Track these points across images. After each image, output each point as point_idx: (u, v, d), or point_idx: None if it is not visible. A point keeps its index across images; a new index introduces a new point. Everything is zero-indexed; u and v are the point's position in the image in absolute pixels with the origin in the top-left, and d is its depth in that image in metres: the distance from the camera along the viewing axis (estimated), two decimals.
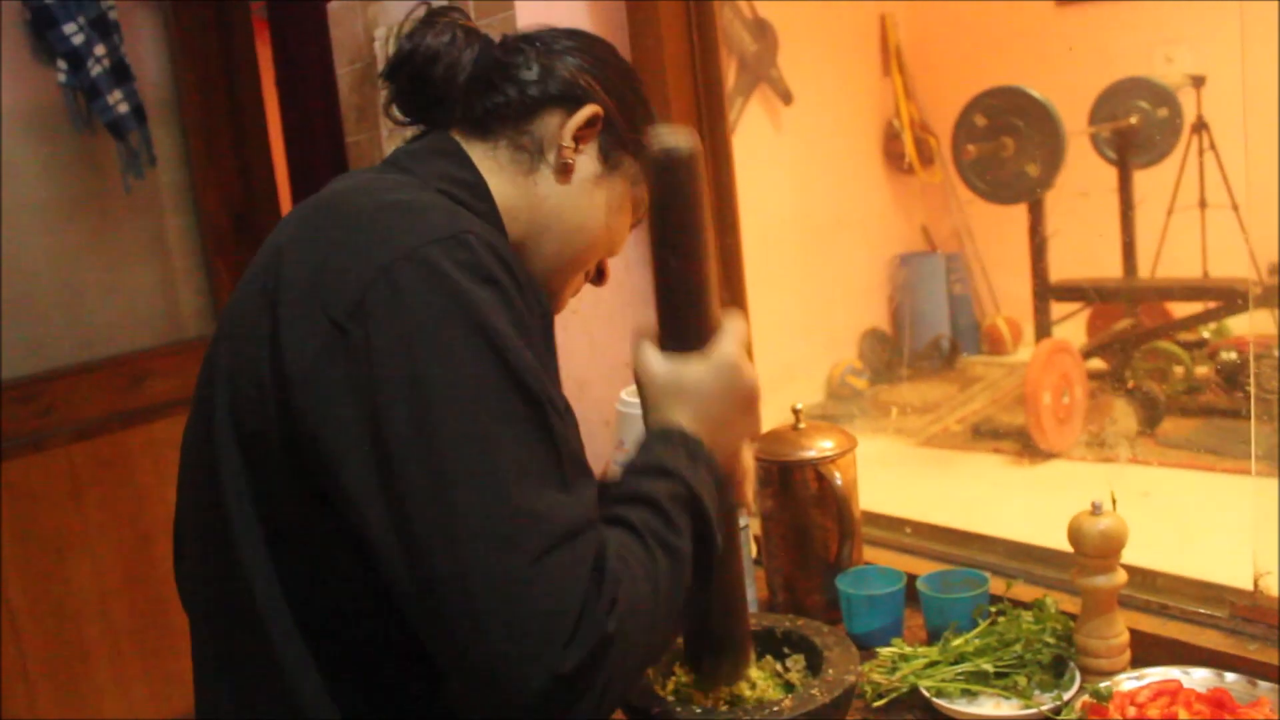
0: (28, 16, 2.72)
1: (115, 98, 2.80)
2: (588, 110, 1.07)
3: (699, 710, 1.20)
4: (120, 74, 2.82)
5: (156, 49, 3.03)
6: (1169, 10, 3.87)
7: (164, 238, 3.06)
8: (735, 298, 2.01)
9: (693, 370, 1.04)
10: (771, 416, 2.08)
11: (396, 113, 1.12)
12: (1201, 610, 1.42)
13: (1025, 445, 3.38)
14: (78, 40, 2.73)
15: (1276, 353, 1.70)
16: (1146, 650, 1.38)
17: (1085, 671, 1.34)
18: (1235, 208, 3.62)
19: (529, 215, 1.06)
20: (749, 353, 1.98)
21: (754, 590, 1.68)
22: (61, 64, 2.73)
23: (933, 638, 1.49)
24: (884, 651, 1.44)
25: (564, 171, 1.07)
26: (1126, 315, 3.80)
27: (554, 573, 0.80)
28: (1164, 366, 3.54)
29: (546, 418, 0.85)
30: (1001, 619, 1.43)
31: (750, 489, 1.14)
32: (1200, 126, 3.72)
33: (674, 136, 1.03)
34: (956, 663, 1.38)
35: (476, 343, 0.83)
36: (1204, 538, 2.10)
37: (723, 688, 1.24)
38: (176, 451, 1.07)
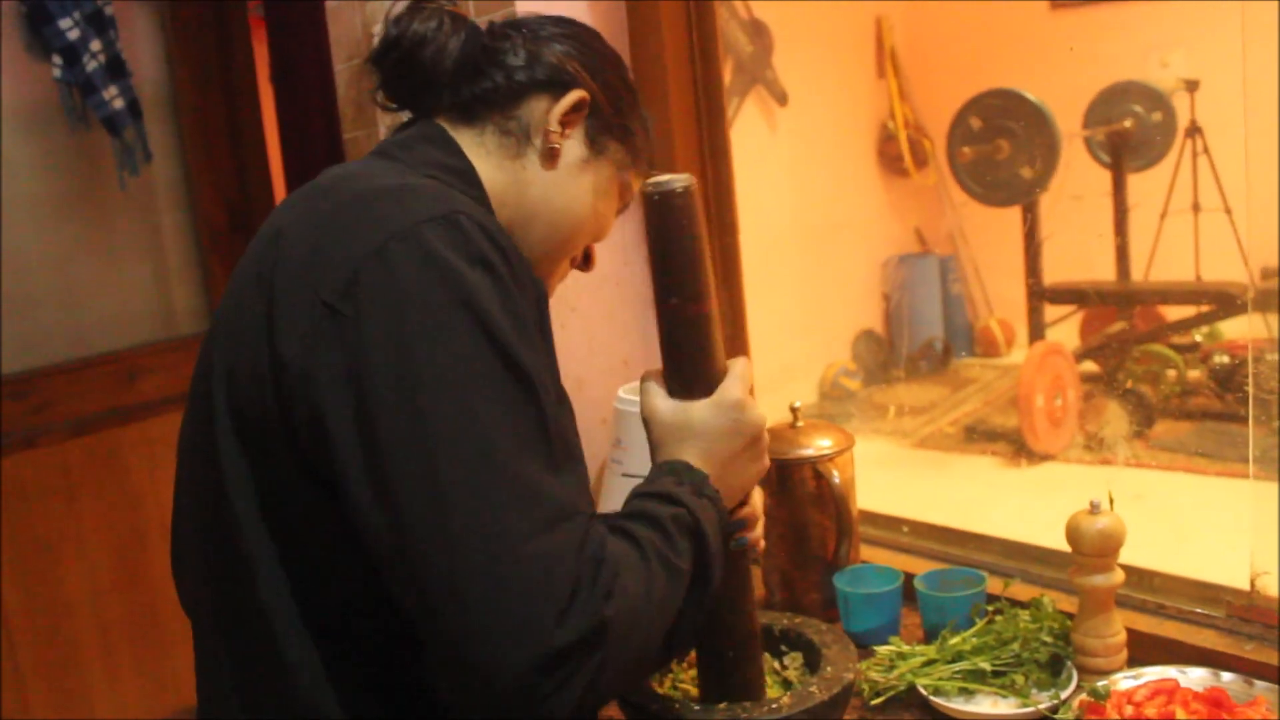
0: (23, 11, 2.72)
1: (111, 93, 2.79)
2: (574, 95, 1.07)
3: (697, 708, 1.20)
4: (116, 70, 2.81)
5: (152, 45, 3.02)
6: (1163, 14, 3.88)
7: (159, 234, 3.05)
8: (733, 298, 2.01)
9: (699, 411, 1.06)
10: (769, 416, 2.08)
11: (384, 99, 1.12)
12: (1198, 610, 1.42)
13: (1018, 447, 3.38)
14: (73, 35, 2.72)
15: (1274, 356, 1.70)
16: (1143, 650, 1.39)
17: (1082, 670, 1.34)
18: (1228, 212, 3.64)
19: (516, 200, 1.07)
20: (743, 336, 2.00)
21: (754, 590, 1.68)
22: (57, 59, 2.72)
23: (930, 636, 1.49)
24: (881, 650, 1.44)
25: (550, 156, 1.08)
26: (1120, 318, 3.81)
27: (542, 552, 0.80)
28: (1157, 370, 3.55)
29: (537, 400, 0.86)
30: (999, 618, 1.43)
31: (761, 529, 1.16)
32: (1194, 130, 3.74)
33: (668, 177, 1.05)
34: (954, 661, 1.38)
35: (468, 324, 0.84)
36: (1198, 539, 2.11)
37: None
38: (170, 449, 1.07)
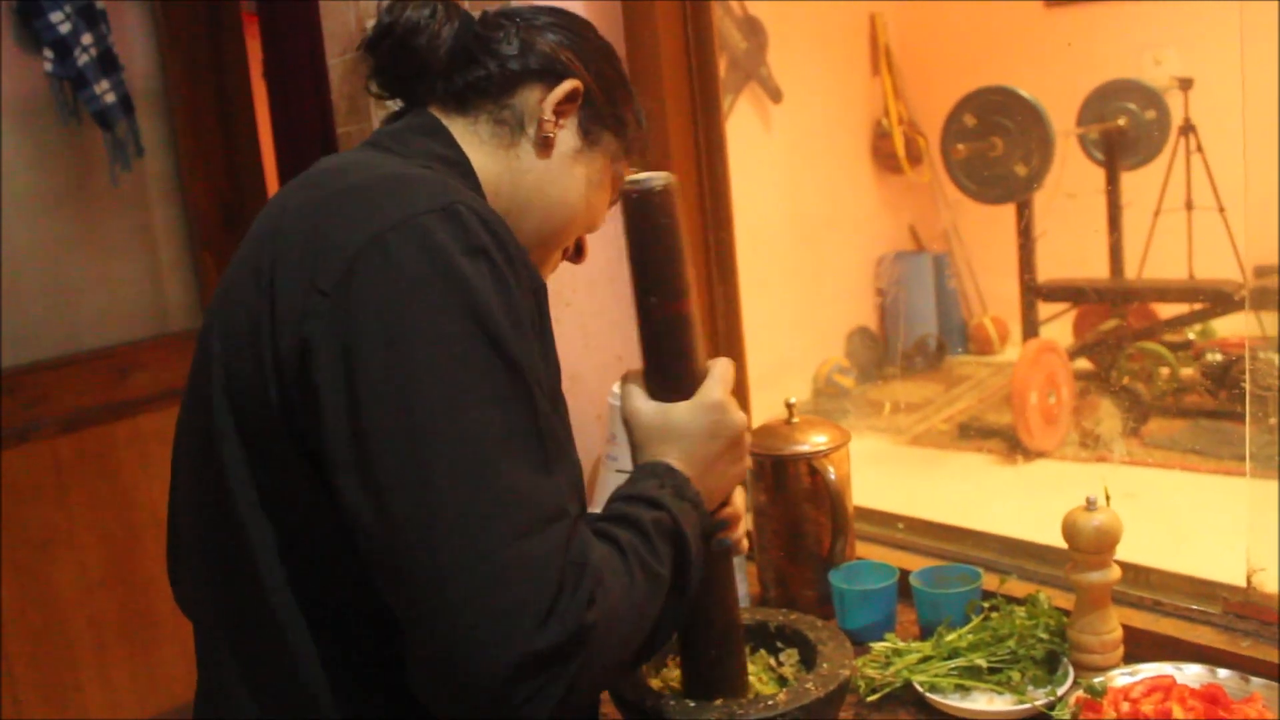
0: (14, 4, 2.70)
1: (102, 88, 2.78)
2: (568, 85, 1.07)
3: (692, 704, 1.20)
4: (107, 64, 2.79)
5: (144, 39, 3.01)
6: (1157, 12, 3.88)
7: (151, 229, 3.04)
8: (729, 294, 2.01)
9: (679, 412, 1.06)
10: (762, 412, 2.08)
11: (376, 87, 1.12)
12: (1194, 607, 1.42)
13: (1012, 445, 3.39)
14: (64, 29, 2.71)
15: (1269, 353, 1.70)
16: (1139, 646, 1.39)
17: (1079, 667, 1.34)
18: (1221, 210, 3.64)
19: (510, 190, 1.07)
20: (738, 332, 1.99)
21: (746, 585, 1.68)
22: (48, 53, 2.71)
23: (925, 633, 1.49)
24: (877, 646, 1.44)
25: (545, 146, 1.07)
26: (1113, 316, 3.81)
27: (527, 556, 0.79)
28: (1150, 367, 3.56)
29: (530, 396, 0.85)
30: (995, 614, 1.43)
31: (744, 529, 1.15)
32: (1188, 129, 3.74)
33: (647, 176, 1.04)
34: (950, 658, 1.38)
35: (463, 318, 0.83)
36: (1193, 536, 2.11)
37: None
38: (162, 445, 1.06)
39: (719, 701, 1.20)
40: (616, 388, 1.87)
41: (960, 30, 4.17)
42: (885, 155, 4.48)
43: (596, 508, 1.02)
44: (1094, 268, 3.83)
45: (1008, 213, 3.69)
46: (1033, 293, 3.70)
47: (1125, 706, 1.23)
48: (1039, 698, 1.29)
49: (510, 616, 0.78)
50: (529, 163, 1.07)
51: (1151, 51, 3.90)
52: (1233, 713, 1.20)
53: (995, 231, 3.99)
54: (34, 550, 2.68)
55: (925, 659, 1.39)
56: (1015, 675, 1.33)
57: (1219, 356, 3.38)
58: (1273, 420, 1.43)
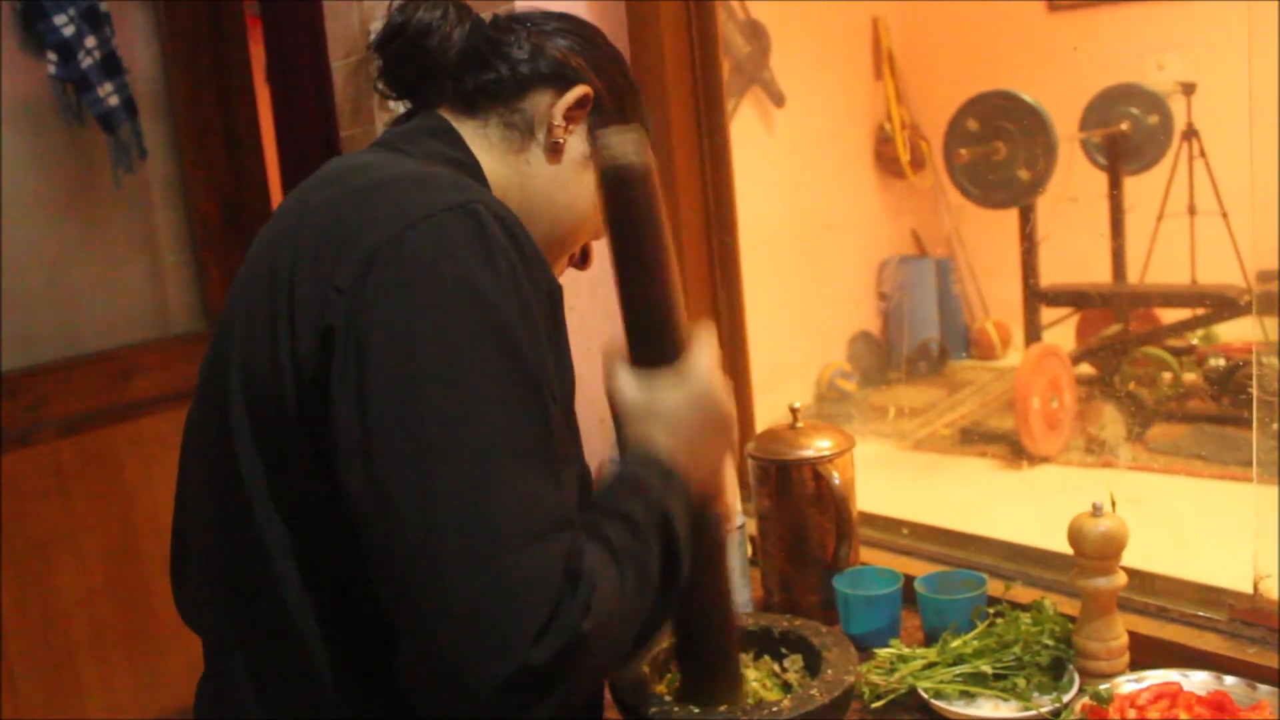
0: (18, 7, 2.70)
1: (106, 90, 2.78)
2: (579, 90, 1.07)
3: (696, 711, 1.19)
4: (111, 66, 2.79)
5: (148, 41, 3.01)
6: (1160, 17, 3.89)
7: (154, 232, 3.03)
8: (732, 297, 2.00)
9: (664, 389, 1.03)
10: (765, 417, 2.07)
11: (385, 87, 1.11)
12: (1200, 613, 1.42)
13: (1015, 450, 3.38)
14: (68, 32, 2.71)
15: (1271, 358, 1.70)
16: (1145, 653, 1.38)
17: (1084, 674, 1.33)
18: (1224, 215, 3.64)
19: (519, 195, 1.06)
20: (741, 335, 1.99)
21: (750, 590, 1.67)
22: (51, 56, 2.71)
23: (930, 639, 1.48)
24: (882, 652, 1.43)
25: (555, 151, 1.07)
26: (1116, 321, 3.81)
27: (528, 566, 0.79)
28: (1153, 372, 3.56)
29: (540, 401, 0.84)
30: (1000, 620, 1.42)
31: (734, 498, 1.14)
32: (1190, 134, 3.74)
33: (622, 146, 1.01)
34: (955, 664, 1.37)
35: (476, 320, 0.83)
36: (1198, 542, 2.11)
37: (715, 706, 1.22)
38: (164, 448, 1.06)
39: (723, 708, 1.20)
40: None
41: (963, 34, 4.17)
42: (888, 159, 4.48)
43: None
44: (1097, 273, 3.82)
45: (1010, 217, 3.69)
46: (1036, 297, 3.69)
47: (1131, 713, 1.23)
48: (1044, 704, 1.29)
49: (507, 629, 0.77)
50: (538, 168, 1.07)
51: (1154, 56, 3.89)
52: None
53: (998, 236, 4.00)
54: (35, 553, 2.68)
55: (930, 665, 1.38)
56: (1020, 682, 1.33)
57: (1222, 362, 3.38)
58: (1275, 425, 1.43)
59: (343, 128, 2.38)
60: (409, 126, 1.07)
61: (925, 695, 1.33)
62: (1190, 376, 3.52)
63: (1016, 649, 1.36)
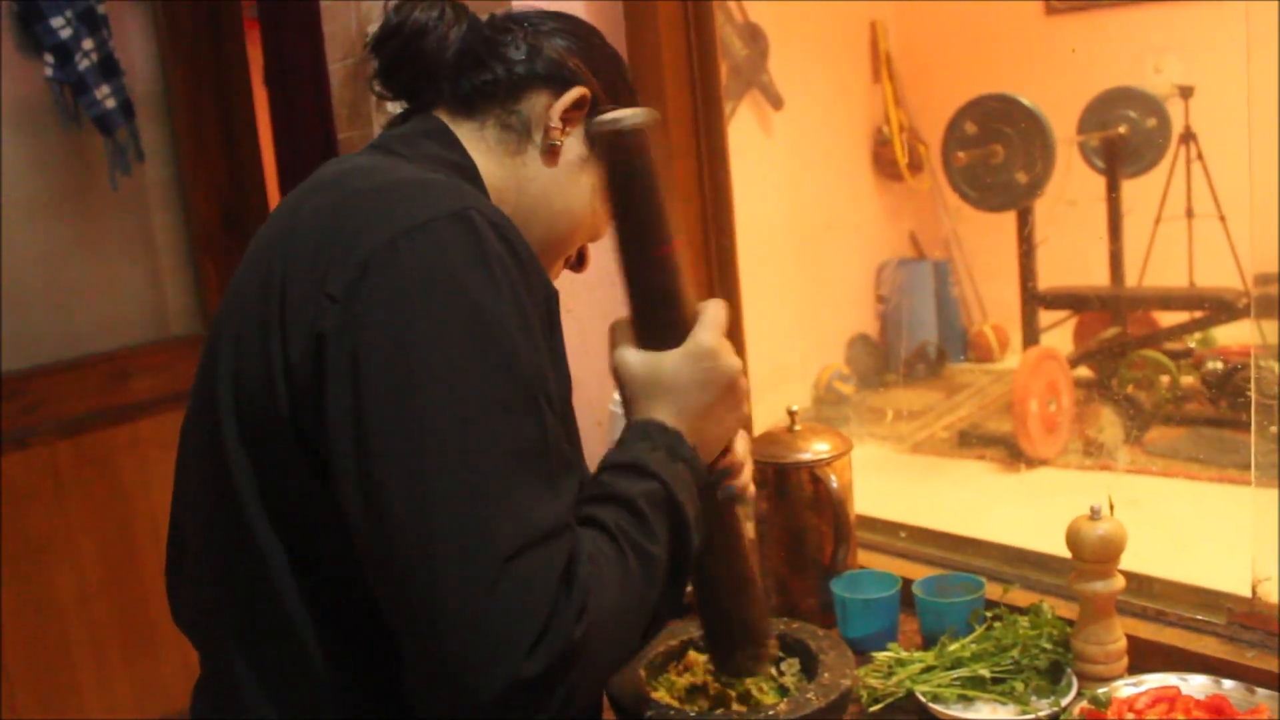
0: (15, 9, 2.70)
1: (103, 93, 2.77)
2: (576, 92, 1.06)
3: (693, 714, 1.19)
4: (108, 69, 2.79)
5: (145, 44, 3.00)
6: (1158, 20, 3.89)
7: (151, 235, 3.03)
8: (730, 300, 2.00)
9: (670, 362, 1.01)
10: (763, 419, 2.07)
11: (380, 88, 1.10)
12: (1199, 617, 1.42)
13: (1012, 453, 3.38)
14: (65, 34, 2.70)
15: (1270, 361, 1.70)
16: (1143, 656, 1.38)
17: (1082, 677, 1.33)
18: (1222, 218, 3.64)
19: (516, 197, 1.05)
20: (739, 338, 1.99)
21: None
22: (49, 58, 2.71)
23: (928, 642, 1.48)
24: (879, 656, 1.43)
25: (551, 153, 1.06)
26: (1114, 324, 3.81)
27: (524, 575, 0.78)
28: (1150, 375, 3.56)
29: (537, 409, 0.84)
30: (998, 624, 1.42)
31: (750, 479, 1.13)
32: (1188, 137, 3.74)
33: (624, 113, 0.99)
34: (953, 668, 1.37)
35: (472, 327, 0.82)
36: (1195, 545, 2.10)
37: (744, 677, 1.22)
38: (162, 450, 1.05)
39: (719, 711, 1.20)
40: (617, 394, 1.86)
41: (961, 37, 4.17)
42: (886, 162, 4.48)
43: None
44: (1094, 275, 3.82)
45: (1008, 220, 3.69)
46: (1034, 300, 3.69)
47: (1129, 717, 1.22)
48: (1043, 708, 1.29)
49: (501, 640, 0.77)
50: (535, 170, 1.06)
51: (1152, 59, 3.89)
52: None
53: (996, 239, 3.99)
54: (32, 554, 2.68)
55: (928, 669, 1.38)
56: (1019, 685, 1.32)
57: (1220, 365, 3.38)
58: (1273, 429, 1.43)
59: (340, 130, 2.38)
60: (405, 129, 1.06)
61: (923, 699, 1.33)
62: (1188, 379, 3.52)
63: (1015, 652, 1.36)
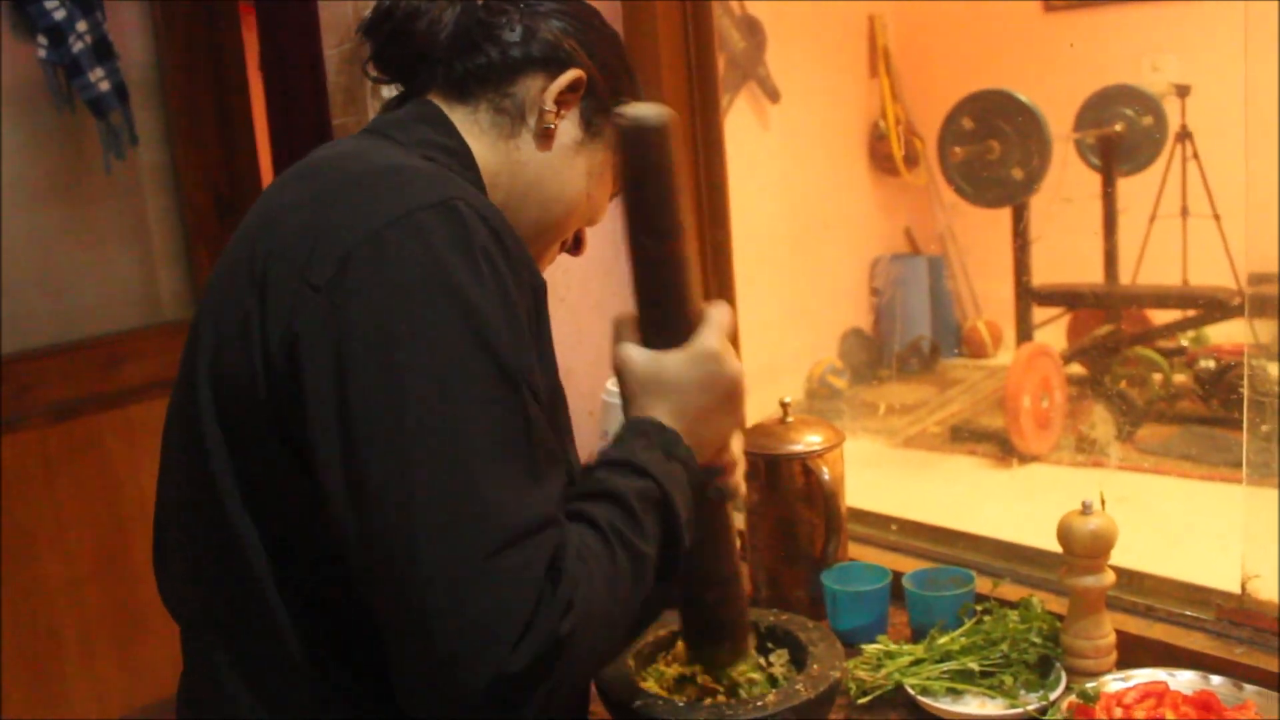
0: None
1: (97, 75, 2.76)
2: (571, 74, 1.04)
3: (681, 704, 1.19)
4: (102, 51, 2.78)
5: (140, 27, 2.99)
6: (1156, 18, 3.89)
7: (144, 219, 3.02)
8: (725, 293, 2.00)
9: (673, 362, 1.01)
10: (755, 411, 2.07)
11: (374, 71, 1.09)
12: (1188, 613, 1.42)
13: (1004, 448, 3.39)
14: (59, 16, 2.69)
15: (1263, 361, 1.70)
16: (1132, 652, 1.38)
17: (1071, 672, 1.33)
18: (1216, 217, 3.65)
19: (509, 181, 1.04)
20: (734, 343, 1.98)
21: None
22: (42, 39, 2.69)
23: (917, 635, 1.48)
24: (869, 648, 1.43)
25: (545, 137, 1.04)
26: (1107, 321, 3.81)
27: (508, 570, 0.78)
28: (1143, 373, 3.56)
29: (523, 402, 0.83)
30: (987, 618, 1.42)
31: (741, 478, 1.13)
32: (1184, 135, 3.75)
33: (644, 109, 0.98)
34: (942, 661, 1.37)
35: (457, 320, 0.81)
36: (1184, 542, 2.11)
37: (724, 670, 1.22)
38: (153, 436, 1.04)
39: (708, 701, 1.20)
40: (610, 384, 1.86)
41: (959, 33, 4.17)
42: (882, 157, 4.48)
43: None
44: (1088, 273, 3.83)
45: (1003, 216, 3.70)
46: (1028, 296, 3.70)
47: (1118, 712, 1.23)
48: (1031, 702, 1.29)
49: (486, 634, 0.76)
50: (529, 154, 1.04)
51: (1149, 58, 3.90)
52: None
53: (991, 235, 4.00)
54: (21, 539, 2.67)
55: (917, 662, 1.38)
56: (1007, 679, 1.32)
57: (1212, 363, 3.39)
58: (1265, 427, 1.43)
59: (335, 116, 2.37)
60: (399, 113, 1.05)
61: (912, 692, 1.33)
62: (1180, 378, 3.53)
63: (1004, 646, 1.36)
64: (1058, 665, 1.34)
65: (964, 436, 3.61)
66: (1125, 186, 3.78)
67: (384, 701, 0.89)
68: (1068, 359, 3.69)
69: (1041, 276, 3.72)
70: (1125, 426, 3.29)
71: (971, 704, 1.31)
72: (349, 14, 2.21)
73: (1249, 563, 1.38)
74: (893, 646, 1.42)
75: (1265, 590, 1.37)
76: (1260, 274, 1.58)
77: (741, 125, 3.83)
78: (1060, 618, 1.38)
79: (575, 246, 1.16)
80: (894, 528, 1.80)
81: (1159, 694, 1.24)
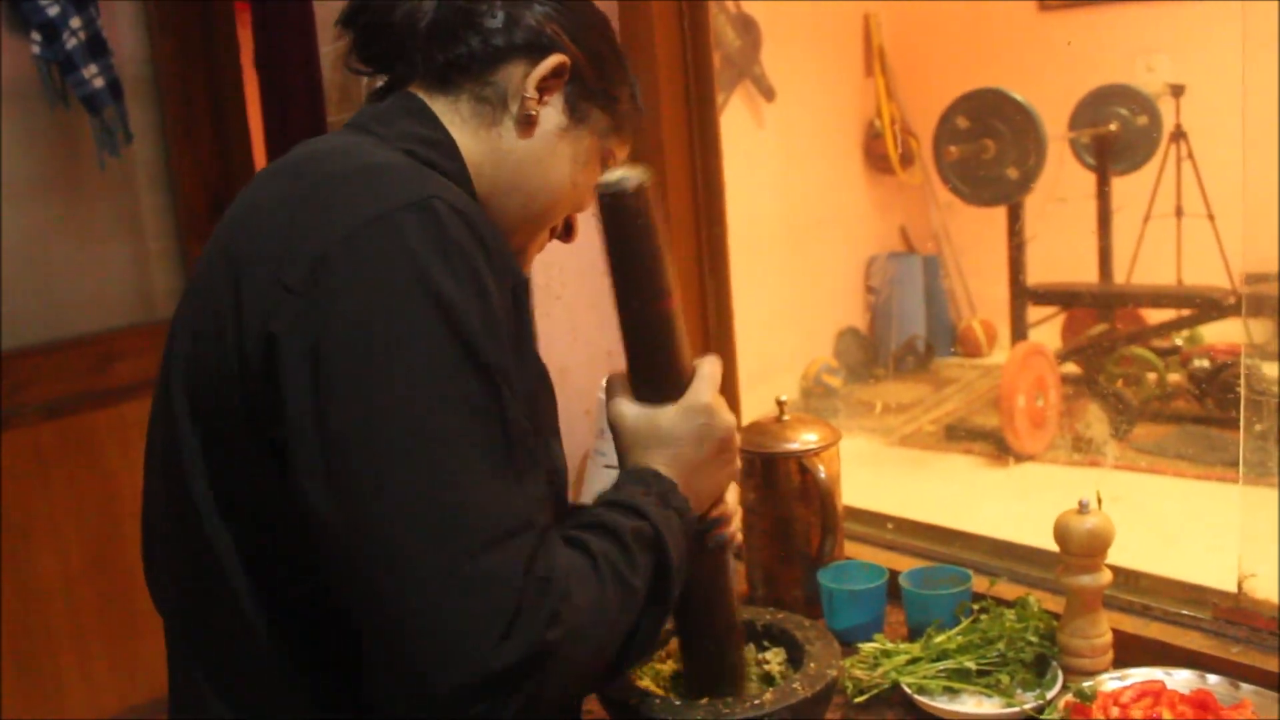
0: None
1: (91, 72, 2.75)
2: (553, 60, 1.01)
3: (678, 703, 1.18)
4: (96, 48, 2.77)
5: (134, 24, 2.98)
6: (1151, 18, 3.90)
7: (138, 216, 3.01)
8: (720, 291, 2.00)
9: (666, 417, 1.03)
10: (751, 411, 2.07)
11: (356, 63, 1.07)
12: (1184, 612, 1.42)
13: (999, 447, 3.39)
14: (53, 12, 2.68)
15: (1258, 361, 1.70)
16: (1128, 651, 1.38)
17: (1068, 671, 1.33)
18: (1210, 217, 3.66)
19: (493, 171, 1.02)
20: (729, 330, 1.98)
21: (735, 584, 1.66)
22: (36, 36, 2.68)
23: (914, 634, 1.48)
24: (865, 647, 1.43)
25: (527, 124, 1.02)
26: (1102, 321, 3.82)
27: (488, 569, 0.78)
28: (1137, 372, 3.57)
29: (501, 403, 0.83)
30: (984, 617, 1.42)
31: (738, 524, 1.14)
32: (1179, 135, 3.75)
33: (621, 174, 0.99)
34: (939, 660, 1.37)
35: (434, 320, 0.81)
36: (1181, 541, 2.12)
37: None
38: (144, 433, 1.04)
39: (705, 700, 1.19)
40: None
41: (954, 32, 4.17)
42: (877, 156, 4.48)
43: (585, 502, 1.01)
44: (1083, 272, 3.84)
45: (999, 215, 3.70)
46: (1023, 296, 3.70)
47: (1115, 711, 1.22)
48: (1028, 701, 1.29)
49: (466, 633, 0.76)
50: (511, 142, 1.02)
51: (1144, 58, 3.91)
52: (1223, 718, 1.20)
53: (986, 234, 4.00)
54: (14, 537, 2.66)
55: (913, 660, 1.38)
56: (1004, 678, 1.32)
57: (1206, 363, 3.40)
58: (1259, 427, 1.43)
59: (330, 113, 2.36)
60: (381, 107, 1.03)
61: (909, 691, 1.33)
62: (1175, 377, 3.53)
63: (1001, 645, 1.36)
64: (1054, 664, 1.34)
65: (959, 435, 3.61)
66: (1120, 186, 3.79)
67: (360, 708, 0.89)
68: (1062, 358, 3.69)
69: (1036, 276, 3.72)
70: (1120, 426, 3.29)
71: (968, 703, 1.31)
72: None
73: (1245, 562, 1.38)
74: (889, 645, 1.42)
75: (1262, 589, 1.37)
76: (1257, 274, 1.59)
77: (736, 124, 3.82)
78: (1057, 616, 1.38)
79: (566, 233, 1.14)
80: (890, 526, 1.80)
81: (1156, 693, 1.24)
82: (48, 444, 2.73)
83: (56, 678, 2.74)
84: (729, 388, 2.03)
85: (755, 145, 3.94)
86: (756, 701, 1.16)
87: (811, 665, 1.22)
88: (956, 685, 1.33)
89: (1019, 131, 3.48)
